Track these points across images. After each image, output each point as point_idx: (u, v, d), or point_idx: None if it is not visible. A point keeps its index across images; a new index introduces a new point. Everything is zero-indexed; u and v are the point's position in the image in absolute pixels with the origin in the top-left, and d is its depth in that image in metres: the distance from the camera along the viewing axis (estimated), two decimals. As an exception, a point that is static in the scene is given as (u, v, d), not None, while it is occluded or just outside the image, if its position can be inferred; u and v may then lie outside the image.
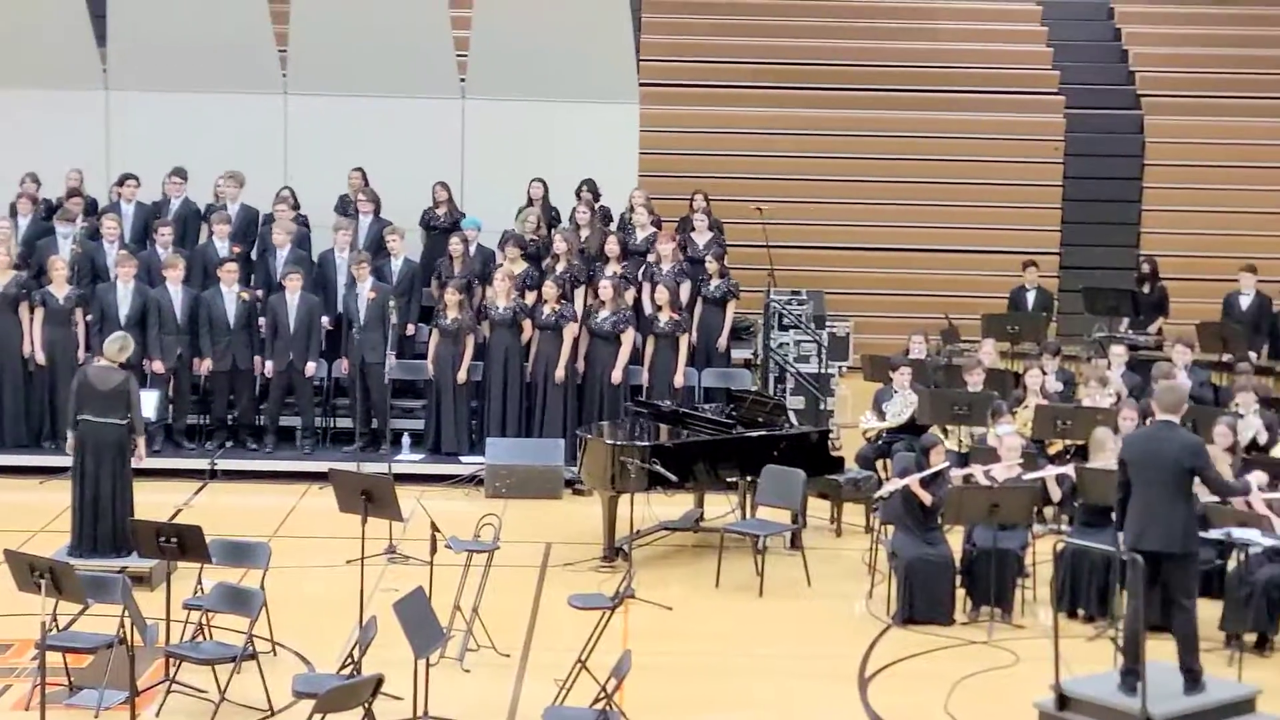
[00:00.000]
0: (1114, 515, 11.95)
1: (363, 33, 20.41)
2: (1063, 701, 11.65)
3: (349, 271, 18.74)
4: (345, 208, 20.13)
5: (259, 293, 18.65)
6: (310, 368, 18.35)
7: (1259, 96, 25.51)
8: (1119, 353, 18.68)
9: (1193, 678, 11.60)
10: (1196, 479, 11.65)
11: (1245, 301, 20.81)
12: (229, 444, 18.55)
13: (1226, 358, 19.60)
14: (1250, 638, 13.29)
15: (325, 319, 18.72)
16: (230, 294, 18.22)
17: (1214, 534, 13.15)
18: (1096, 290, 21.42)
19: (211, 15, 20.39)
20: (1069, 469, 15.06)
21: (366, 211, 19.81)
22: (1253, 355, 19.90)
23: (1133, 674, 11.45)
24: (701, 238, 19.95)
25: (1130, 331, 20.90)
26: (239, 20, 20.51)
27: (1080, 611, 14.02)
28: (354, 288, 18.48)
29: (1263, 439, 16.46)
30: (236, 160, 20.05)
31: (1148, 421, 14.11)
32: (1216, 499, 12.80)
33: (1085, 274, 23.48)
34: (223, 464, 18.18)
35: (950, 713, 12.03)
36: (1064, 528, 15.86)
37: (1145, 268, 22.11)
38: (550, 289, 18.38)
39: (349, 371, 18.45)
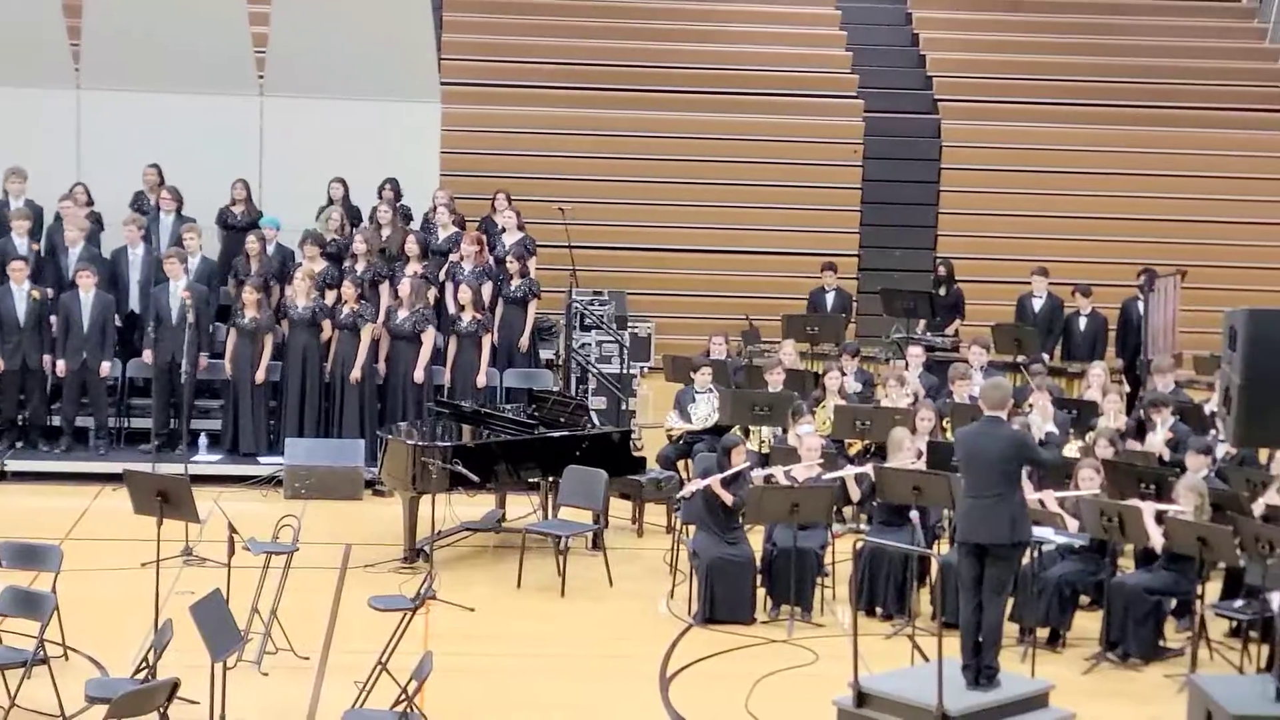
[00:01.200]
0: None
1: (159, 27, 20.08)
2: (861, 699, 11.76)
3: (142, 268, 18.45)
4: (141, 204, 19.80)
5: (49, 291, 18.29)
6: (105, 367, 18.03)
7: (1052, 102, 25.96)
8: (916, 354, 18.92)
9: (990, 674, 11.79)
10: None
11: (1038, 304, 21.19)
12: (19, 444, 18.19)
13: (1020, 359, 19.93)
14: (1043, 633, 13.51)
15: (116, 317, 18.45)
16: (20, 292, 17.86)
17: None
18: (894, 292, 21.66)
19: (1, 7, 19.95)
20: (868, 468, 15.21)
21: (169, 209, 19.51)
22: (1045, 356, 20.26)
23: (970, 668, 11.73)
24: (511, 237, 19.89)
25: (927, 333, 21.18)
26: (30, 12, 20.09)
27: (879, 609, 14.17)
28: (153, 286, 18.20)
29: (1044, 435, 16.74)
30: (27, 156, 19.61)
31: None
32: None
33: (883, 276, 23.75)
34: (13, 465, 17.84)
35: (751, 711, 12.09)
36: (863, 526, 16.04)
37: (941, 270, 22.44)
38: (349, 288, 18.24)
39: (154, 370, 18.15)
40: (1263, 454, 15.53)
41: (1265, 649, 12.64)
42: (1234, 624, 13.74)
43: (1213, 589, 13.99)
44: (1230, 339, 9.89)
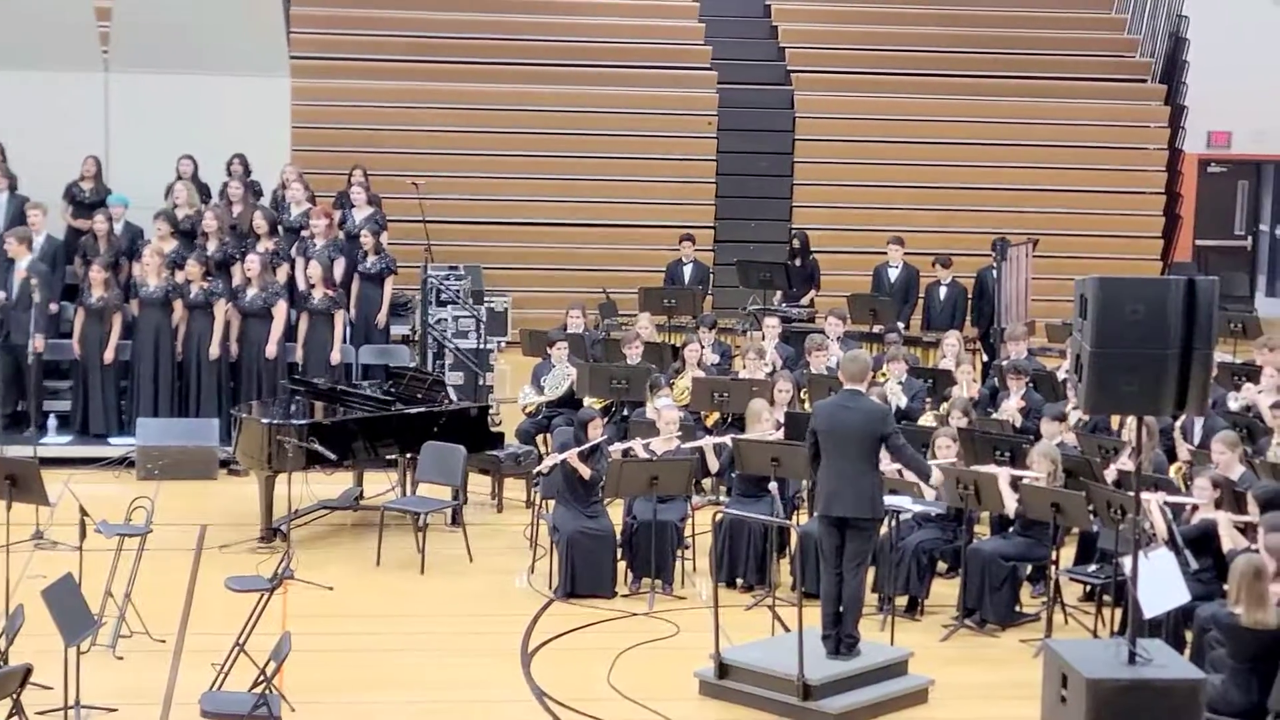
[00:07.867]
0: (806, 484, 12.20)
1: (-1, 3, 19.75)
2: (723, 670, 11.83)
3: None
4: (-18, 184, 19.47)
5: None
6: (-48, 350, 17.74)
7: (905, 73, 26.12)
8: (773, 325, 18.96)
9: (850, 643, 11.88)
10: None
11: (894, 274, 21.29)
12: None
13: (877, 329, 20.04)
14: (901, 601, 13.61)
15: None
16: None
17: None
18: (750, 264, 21.69)
19: None
20: (727, 440, 15.23)
21: (1, 188, 19.17)
22: (901, 325, 20.40)
23: (831, 638, 11.82)
24: (361, 213, 19.72)
25: (784, 304, 21.24)
26: None
27: (739, 581, 14.20)
28: (10, 266, 17.93)
29: (903, 404, 16.86)
30: None
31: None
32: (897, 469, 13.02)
33: (739, 248, 23.82)
34: None
35: (613, 685, 12.09)
36: (722, 498, 16.07)
37: (797, 242, 22.53)
38: (195, 266, 18.02)
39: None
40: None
41: (1118, 612, 12.81)
42: (1088, 588, 13.92)
43: (1067, 554, 14.19)
44: (1081, 306, 9.98)
